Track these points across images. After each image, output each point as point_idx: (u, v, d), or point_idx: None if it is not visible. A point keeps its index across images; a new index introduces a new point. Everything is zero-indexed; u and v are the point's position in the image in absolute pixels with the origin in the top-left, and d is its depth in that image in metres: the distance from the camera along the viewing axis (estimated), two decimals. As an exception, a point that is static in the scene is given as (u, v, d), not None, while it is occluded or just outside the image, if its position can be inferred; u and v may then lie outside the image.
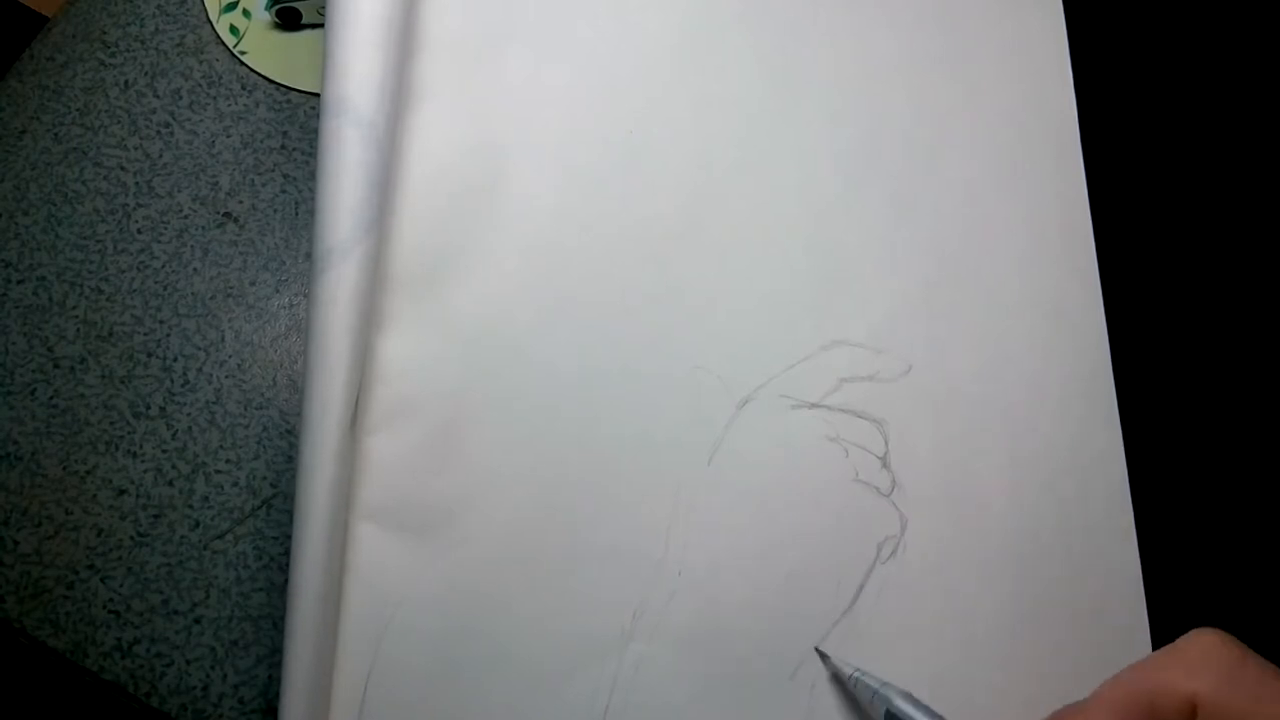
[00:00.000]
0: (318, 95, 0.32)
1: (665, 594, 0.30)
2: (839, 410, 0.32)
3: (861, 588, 0.31)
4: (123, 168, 0.36)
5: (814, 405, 0.32)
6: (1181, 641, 0.23)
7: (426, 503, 0.29)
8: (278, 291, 0.35)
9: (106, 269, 0.35)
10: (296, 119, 0.38)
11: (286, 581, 0.27)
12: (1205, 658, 0.22)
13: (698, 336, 0.32)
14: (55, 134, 0.36)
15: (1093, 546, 0.33)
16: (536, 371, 0.30)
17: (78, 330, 0.34)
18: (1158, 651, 0.23)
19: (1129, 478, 0.34)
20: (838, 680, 0.30)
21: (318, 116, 0.28)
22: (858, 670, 0.29)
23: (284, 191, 0.37)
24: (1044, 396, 0.34)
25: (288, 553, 0.28)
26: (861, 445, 0.32)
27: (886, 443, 0.32)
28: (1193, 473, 0.35)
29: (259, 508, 0.33)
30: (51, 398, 0.33)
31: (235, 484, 0.33)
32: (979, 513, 0.32)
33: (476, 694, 0.28)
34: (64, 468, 0.33)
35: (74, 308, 0.34)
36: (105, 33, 0.38)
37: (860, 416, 0.32)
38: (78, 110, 0.37)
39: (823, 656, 0.30)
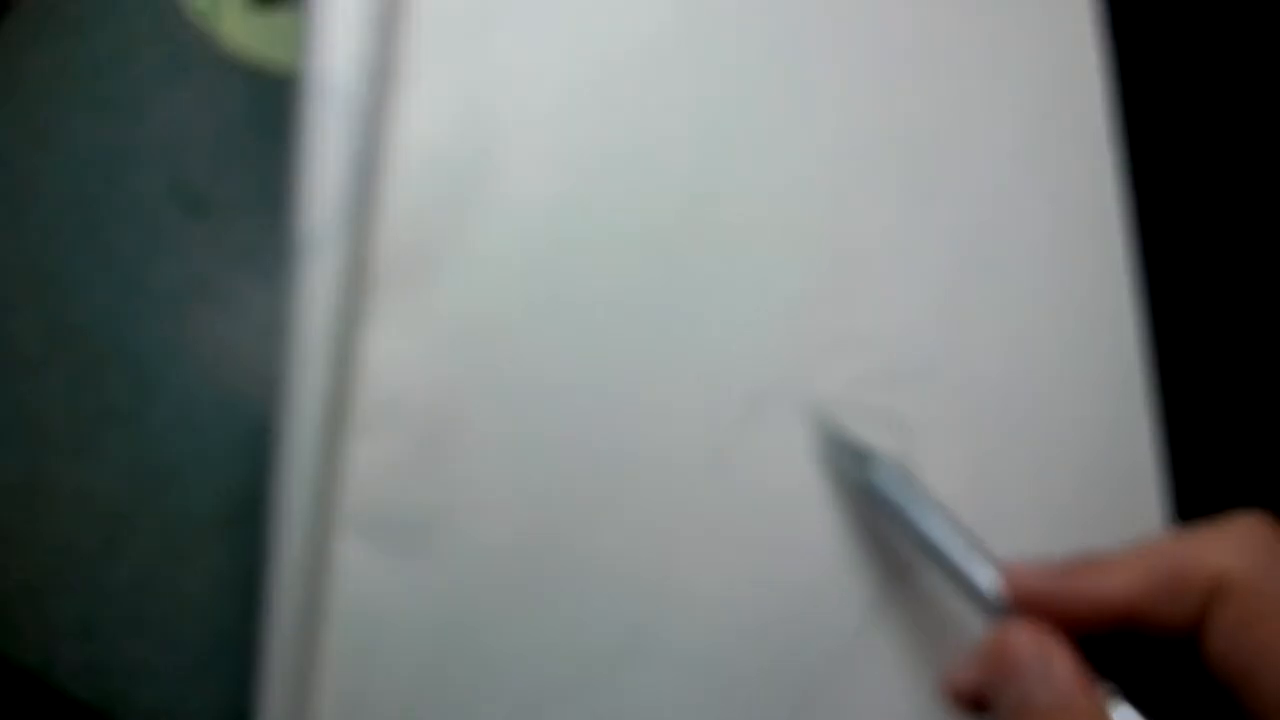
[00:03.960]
0: (297, 76, 0.31)
1: (665, 610, 0.29)
2: (854, 412, 0.31)
3: (872, 605, 0.30)
4: (89, 155, 0.36)
5: (827, 407, 0.31)
6: (1223, 521, 0.22)
7: (413, 511, 0.28)
8: (254, 285, 0.35)
9: (72, 263, 0.34)
10: (274, 101, 0.37)
11: (263, 596, 0.27)
12: (1243, 538, 0.21)
13: (702, 335, 0.31)
14: (17, 119, 0.36)
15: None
16: (531, 372, 0.29)
17: (40, 328, 0.34)
18: (1204, 526, 0.22)
19: (1167, 488, 0.33)
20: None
21: (297, 98, 0.28)
22: (839, 435, 0.29)
23: (261, 179, 0.36)
24: (1073, 398, 0.34)
25: (265, 566, 0.28)
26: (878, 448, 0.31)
27: (904, 445, 0.31)
28: (1236, 481, 0.35)
29: (234, 517, 0.32)
30: (12, 400, 0.33)
31: (209, 491, 0.32)
32: (1003, 521, 0.31)
33: (466, 715, 0.27)
34: (26, 475, 0.32)
35: (36, 304, 0.34)
36: (71, 10, 0.37)
37: (876, 419, 0.32)
38: (41, 94, 0.36)
39: (808, 416, 0.30)
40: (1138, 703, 0.21)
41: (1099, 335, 0.35)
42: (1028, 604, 0.23)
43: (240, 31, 0.38)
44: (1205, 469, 0.35)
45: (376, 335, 0.28)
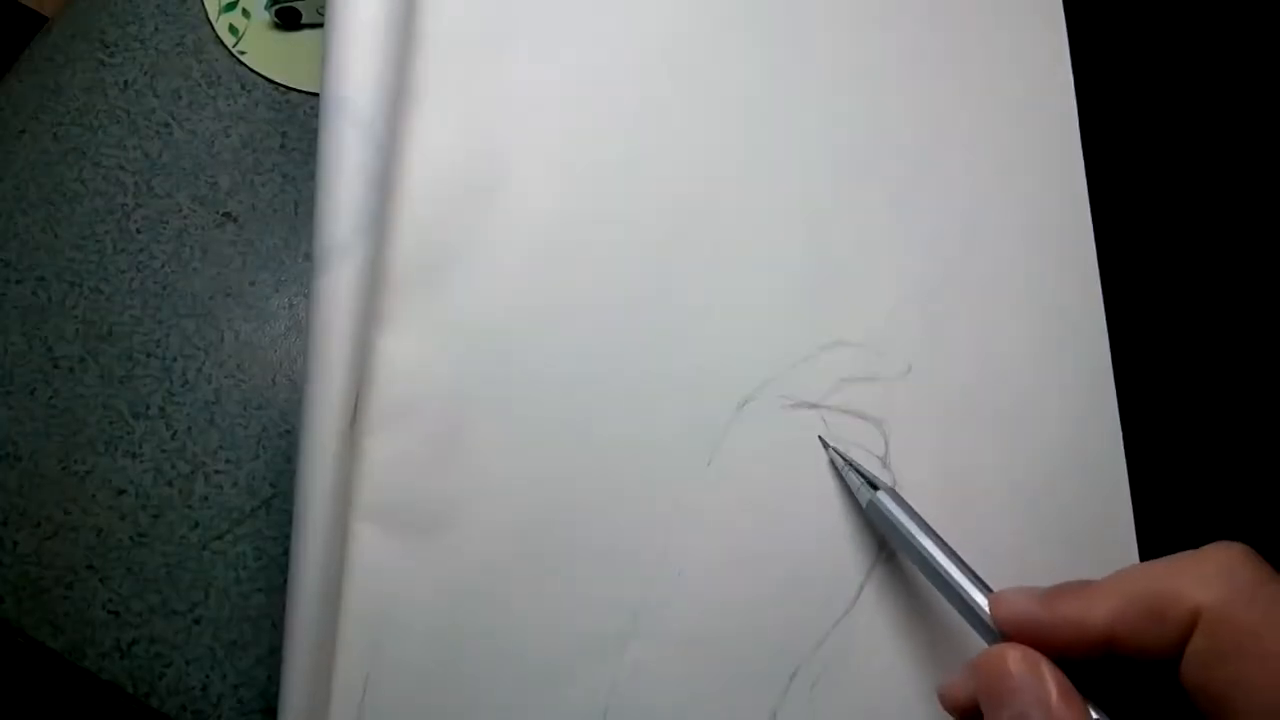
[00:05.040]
0: (317, 95, 0.32)
1: (665, 595, 0.29)
2: (839, 410, 0.32)
3: (861, 587, 0.31)
4: (122, 167, 0.36)
5: (814, 405, 0.32)
6: (1204, 549, 0.22)
7: (426, 503, 0.29)
8: (277, 291, 0.35)
9: (105, 269, 0.35)
10: (296, 119, 0.38)
11: (285, 582, 0.27)
12: (1222, 568, 0.21)
13: (698, 336, 0.31)
14: (54, 134, 0.36)
15: (1093, 546, 0.33)
16: (536, 372, 0.30)
17: (76, 330, 0.34)
18: (1178, 555, 0.22)
19: (1129, 478, 0.34)
20: (838, 665, 0.30)
21: (317, 116, 0.28)
22: (850, 462, 0.30)
23: (283, 191, 0.37)
24: (1044, 396, 0.34)
25: (287, 553, 0.28)
26: (861, 445, 0.32)
27: (886, 443, 0.32)
28: (1193, 473, 0.35)
29: (258, 508, 0.33)
30: (50, 398, 0.33)
31: (234, 484, 0.33)
32: (979, 512, 0.32)
33: (476, 695, 0.28)
34: (63, 468, 0.32)
35: (73, 308, 0.34)
36: (104, 32, 0.38)
37: (860, 416, 0.32)
38: (77, 110, 0.37)
39: (824, 444, 0.31)
40: None
41: (1069, 336, 0.35)
42: (1015, 628, 0.23)
43: (264, 53, 0.38)
44: (1165, 455, 0.35)
45: (391, 338, 0.29)
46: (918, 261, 0.34)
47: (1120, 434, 0.34)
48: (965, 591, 0.25)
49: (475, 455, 0.29)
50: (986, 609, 0.24)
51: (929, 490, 0.32)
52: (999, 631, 0.24)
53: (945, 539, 0.27)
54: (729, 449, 0.31)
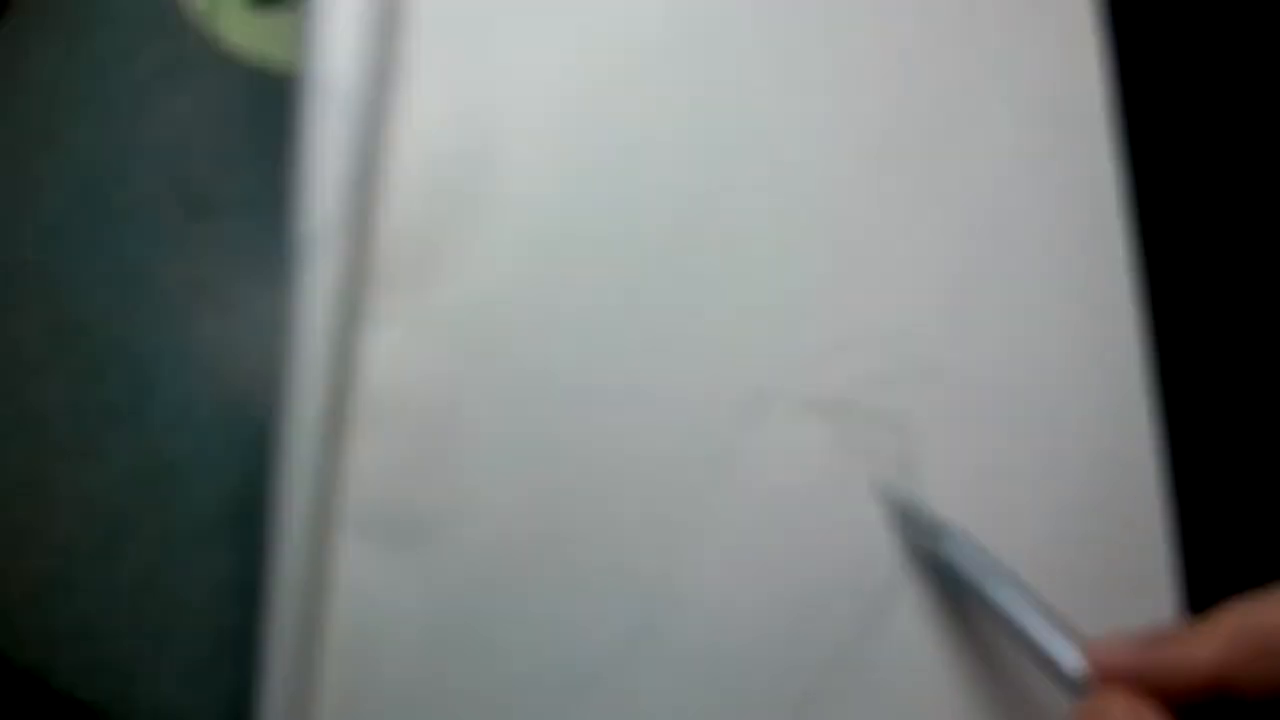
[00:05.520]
0: (297, 75, 0.31)
1: (667, 611, 0.29)
2: (855, 413, 0.31)
3: (878, 605, 0.30)
4: (91, 155, 0.36)
5: (828, 408, 0.31)
6: None
7: (413, 512, 0.28)
8: (255, 286, 0.35)
9: (73, 262, 0.34)
10: (275, 101, 0.36)
11: (264, 594, 0.27)
12: None
13: (704, 337, 0.31)
14: (19, 119, 0.36)
15: (1125, 553, 0.33)
16: (531, 372, 0.29)
17: (42, 327, 0.34)
18: (1274, 589, 0.22)
19: (1168, 486, 0.33)
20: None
21: (297, 98, 0.28)
22: (913, 506, 0.30)
23: (262, 178, 0.36)
24: (1074, 397, 0.34)
25: (265, 564, 0.27)
26: (879, 450, 0.31)
27: (906, 447, 0.32)
28: (1236, 480, 0.35)
29: (235, 516, 0.32)
30: (14, 400, 0.33)
31: (209, 491, 0.32)
32: (1004, 521, 0.32)
33: (466, 716, 0.27)
34: (27, 475, 0.32)
35: (38, 304, 0.34)
36: (73, 12, 0.37)
37: (878, 419, 0.32)
38: (43, 95, 0.36)
39: (879, 487, 0.30)
40: None
41: (1099, 334, 0.35)
42: (1113, 679, 0.23)
43: (240, 31, 0.38)
44: (1205, 465, 0.35)
45: (376, 335, 0.28)
46: (939, 257, 0.34)
47: (1152, 436, 0.34)
48: (1052, 640, 0.25)
49: (465, 461, 0.28)
50: (1076, 659, 0.24)
51: (951, 496, 0.31)
52: (1095, 684, 0.23)
53: (1018, 578, 0.26)
54: (737, 456, 0.30)
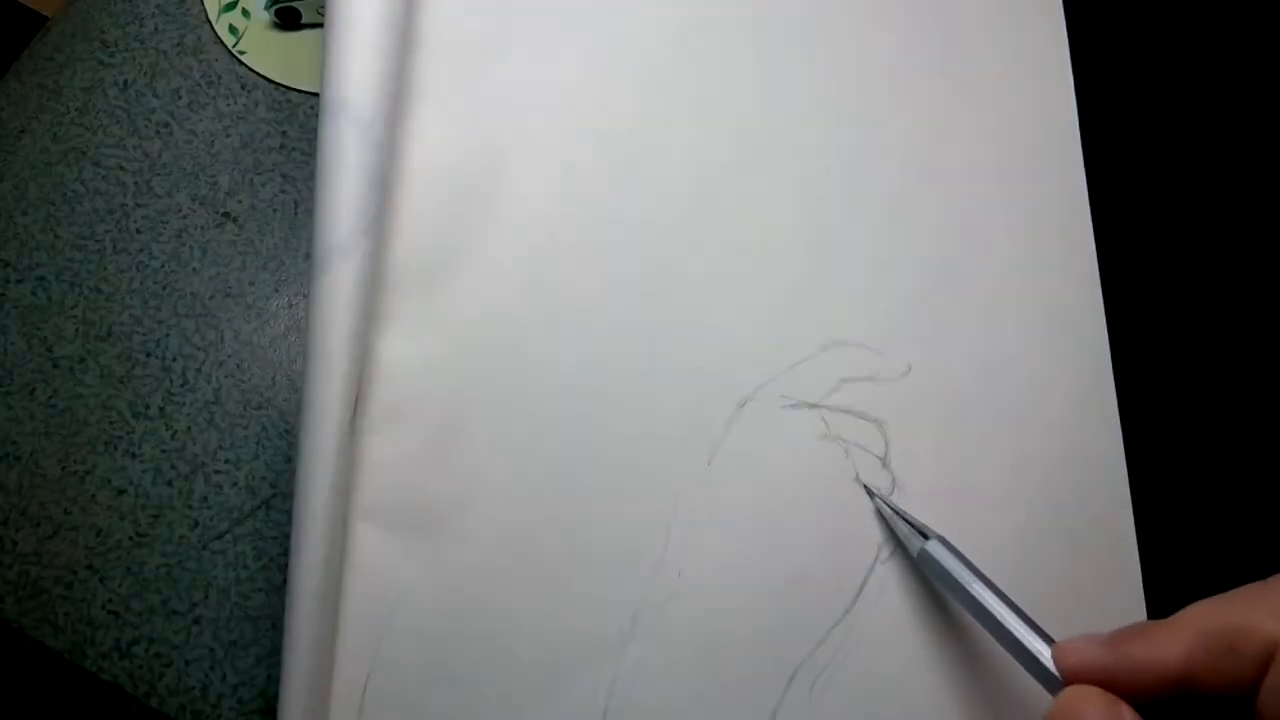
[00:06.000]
0: (317, 95, 0.32)
1: (664, 595, 0.29)
2: (839, 410, 0.32)
3: (862, 587, 0.31)
4: (122, 167, 0.36)
5: (814, 405, 0.32)
6: (1271, 580, 0.22)
7: (426, 503, 0.29)
8: (277, 291, 0.35)
9: (105, 269, 0.35)
10: (296, 119, 0.38)
11: (285, 582, 0.27)
12: None
13: (698, 336, 0.31)
14: (54, 134, 0.36)
15: (1092, 547, 0.33)
16: (536, 372, 0.30)
17: (76, 330, 0.34)
18: (1248, 586, 0.22)
19: (1129, 478, 0.34)
20: (839, 670, 0.30)
21: (317, 116, 0.28)
22: (898, 511, 0.30)
23: (283, 191, 0.37)
24: (1044, 396, 0.34)
25: (287, 553, 0.28)
26: (861, 445, 0.32)
27: (886, 443, 0.32)
28: (1193, 473, 0.35)
29: (258, 508, 0.33)
30: (50, 398, 0.33)
31: (234, 484, 0.33)
32: (978, 512, 0.32)
33: (476, 695, 0.28)
34: (63, 468, 0.32)
35: (73, 307, 0.34)
36: (104, 32, 0.38)
37: (860, 417, 0.32)
38: (77, 110, 0.37)
39: (869, 492, 0.31)
40: None
41: (1069, 335, 0.35)
42: (1084, 677, 0.23)
43: (263, 53, 0.38)
44: (1165, 455, 0.35)
45: (391, 338, 0.29)
46: (918, 261, 0.34)
47: (1120, 433, 0.34)
48: (1026, 642, 0.25)
49: (475, 455, 0.29)
50: (1049, 658, 0.24)
51: (929, 490, 0.32)
52: (1064, 681, 0.23)
53: (996, 583, 0.27)
54: (729, 449, 0.31)
